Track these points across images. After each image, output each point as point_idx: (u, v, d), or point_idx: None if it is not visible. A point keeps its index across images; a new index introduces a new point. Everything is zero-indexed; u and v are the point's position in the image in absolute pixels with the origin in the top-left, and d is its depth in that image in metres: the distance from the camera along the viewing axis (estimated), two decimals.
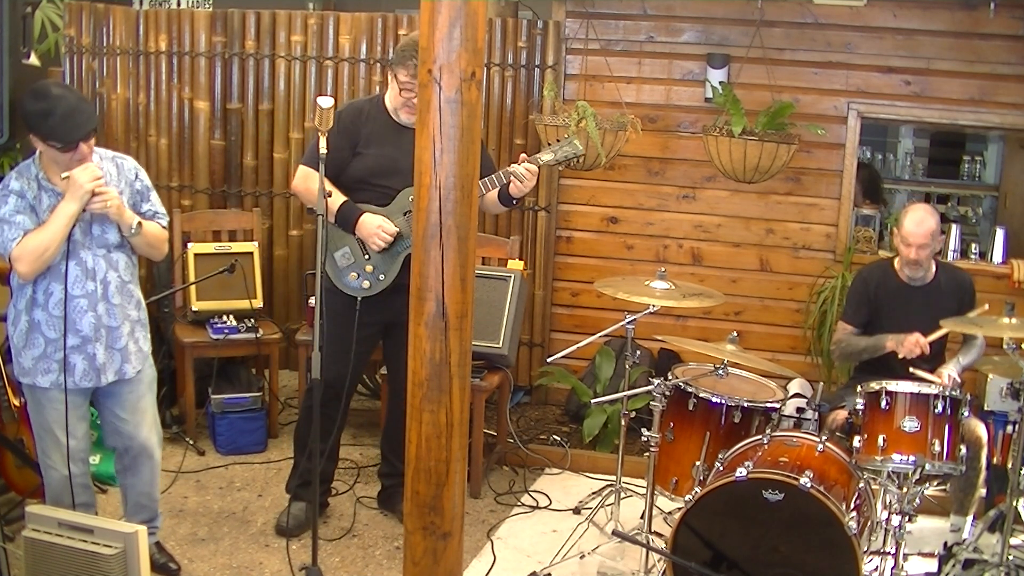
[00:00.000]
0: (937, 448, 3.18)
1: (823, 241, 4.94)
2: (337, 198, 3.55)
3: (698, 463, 3.44)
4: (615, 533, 3.44)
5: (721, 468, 3.25)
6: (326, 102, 3.15)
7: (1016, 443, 3.29)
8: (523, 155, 3.65)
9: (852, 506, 3.08)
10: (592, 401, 4.14)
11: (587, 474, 4.51)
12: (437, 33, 2.23)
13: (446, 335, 2.34)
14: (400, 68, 3.50)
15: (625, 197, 5.11)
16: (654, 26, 4.98)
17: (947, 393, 3.23)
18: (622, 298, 3.59)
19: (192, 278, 4.64)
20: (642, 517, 3.53)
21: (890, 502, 3.26)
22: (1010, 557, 3.29)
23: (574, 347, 3.79)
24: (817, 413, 3.52)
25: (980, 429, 3.63)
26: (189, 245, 4.74)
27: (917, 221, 3.75)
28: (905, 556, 3.19)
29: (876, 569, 3.26)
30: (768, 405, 3.52)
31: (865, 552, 3.13)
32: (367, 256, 3.61)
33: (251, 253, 4.76)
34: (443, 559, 2.45)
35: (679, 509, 3.14)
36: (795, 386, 3.75)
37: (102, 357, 3.11)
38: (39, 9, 5.16)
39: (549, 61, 4.97)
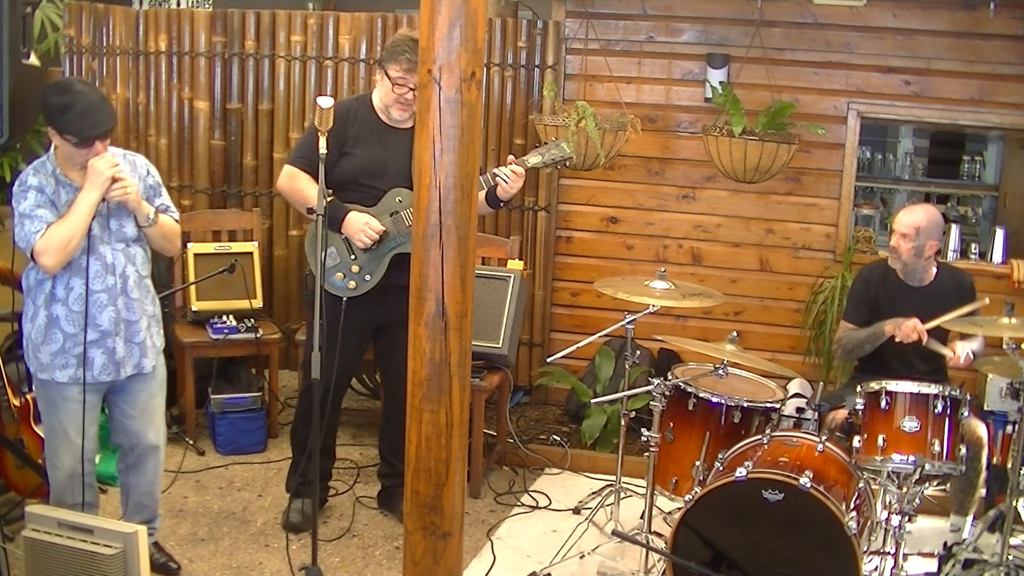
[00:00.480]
0: (937, 448, 3.18)
1: (823, 241, 4.94)
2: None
3: (698, 463, 3.44)
4: (615, 533, 3.44)
5: (721, 468, 3.25)
6: (326, 102, 3.15)
7: (1016, 443, 3.29)
8: (511, 156, 3.65)
9: (852, 506, 3.08)
10: (592, 401, 4.14)
11: (587, 474, 4.51)
12: (437, 33, 2.23)
13: (446, 335, 2.34)
14: (392, 63, 3.49)
15: (625, 197, 5.11)
16: (654, 26, 4.98)
17: (947, 393, 3.23)
18: (622, 298, 3.59)
19: (192, 278, 4.64)
20: (642, 517, 3.53)
21: (890, 502, 3.26)
22: (1010, 557, 3.29)
23: (574, 347, 3.80)
24: (817, 413, 3.52)
25: (980, 429, 3.63)
26: (189, 245, 4.74)
27: (909, 211, 3.84)
28: (905, 556, 3.19)
29: (876, 569, 3.26)
30: (768, 405, 3.52)
31: (865, 552, 3.13)
32: (353, 256, 3.60)
33: (251, 253, 4.76)
34: (443, 559, 2.45)
35: (679, 509, 3.14)
36: (795, 386, 3.75)
37: (121, 351, 3.12)
38: (39, 9, 5.15)
39: (549, 61, 4.97)
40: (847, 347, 3.95)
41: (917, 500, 3.16)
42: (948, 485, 3.73)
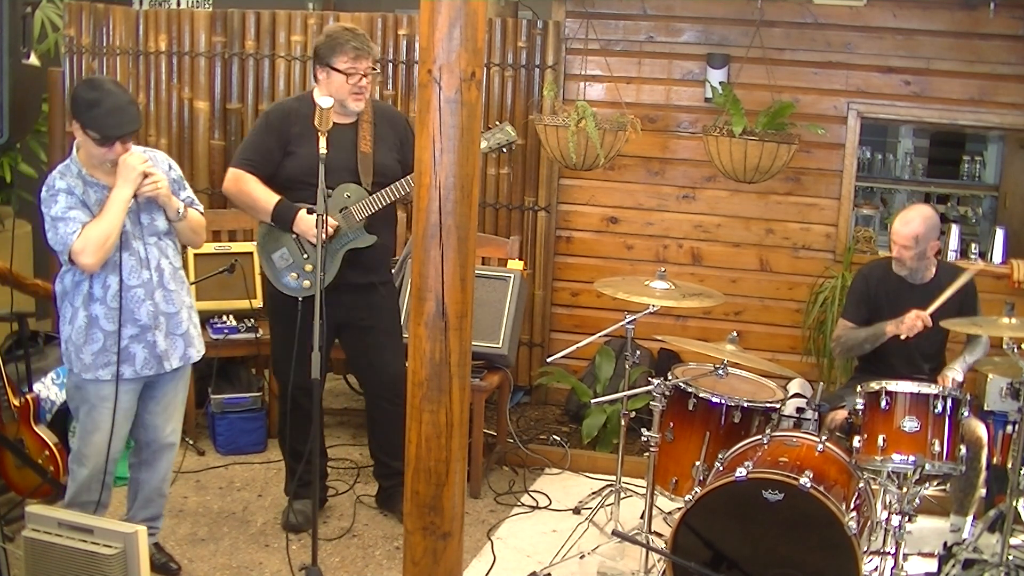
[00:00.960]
0: (937, 448, 3.18)
1: (823, 241, 4.94)
2: (271, 197, 3.53)
3: (698, 463, 3.44)
4: (615, 533, 3.44)
5: (721, 468, 3.25)
6: (326, 102, 3.15)
7: (1016, 443, 3.29)
8: None
9: (852, 506, 3.08)
10: (592, 401, 4.13)
11: (587, 474, 4.51)
12: (437, 33, 2.23)
13: (446, 335, 2.34)
14: (337, 56, 3.48)
15: (625, 197, 5.11)
16: (654, 26, 4.98)
17: (947, 393, 3.23)
18: (622, 298, 3.59)
19: (192, 278, 4.64)
20: (642, 517, 3.52)
21: (890, 502, 3.26)
22: (1010, 557, 3.29)
23: (574, 347, 3.79)
24: (817, 413, 3.52)
25: (980, 429, 3.63)
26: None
27: (904, 221, 3.82)
28: (905, 556, 3.19)
29: (876, 569, 3.26)
30: (768, 405, 3.52)
31: (865, 552, 3.13)
32: (305, 256, 3.59)
33: (251, 253, 4.75)
34: (443, 559, 2.45)
35: (679, 509, 3.13)
36: (795, 386, 3.75)
37: (163, 344, 3.15)
38: (39, 9, 5.16)
39: (549, 61, 4.97)
40: (846, 345, 3.95)
41: (917, 500, 3.16)
42: (948, 485, 3.73)
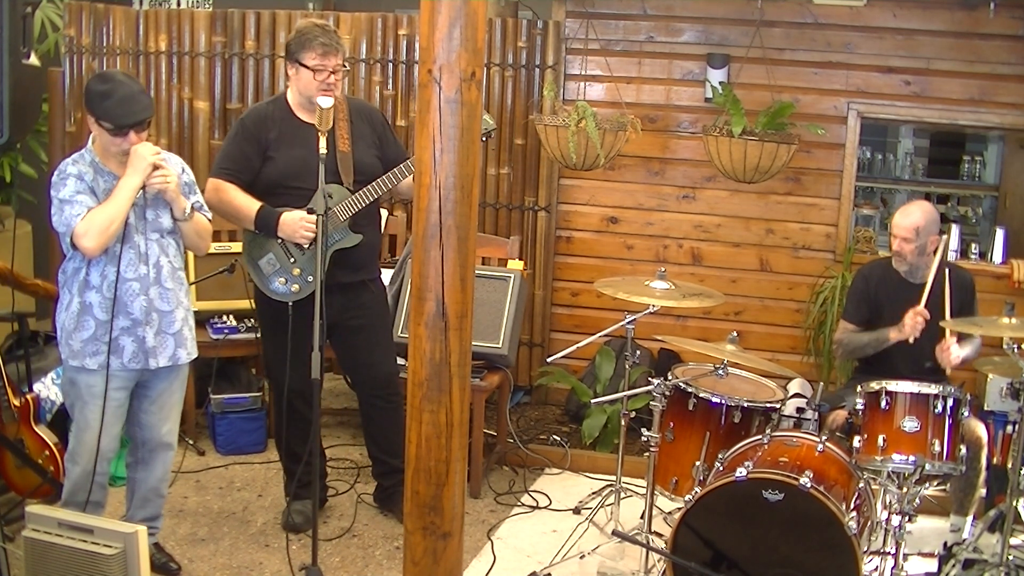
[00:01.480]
0: (937, 448, 3.18)
1: (823, 241, 4.94)
2: (253, 204, 3.52)
3: (698, 463, 3.44)
4: (615, 533, 3.44)
5: (721, 468, 3.25)
6: (326, 102, 3.15)
7: (1016, 443, 3.29)
8: None
9: (852, 506, 3.08)
10: (592, 401, 4.13)
11: (587, 474, 4.51)
12: (437, 33, 2.23)
13: (446, 335, 2.34)
14: (306, 53, 3.47)
15: (625, 197, 5.11)
16: (654, 26, 4.98)
17: (947, 393, 3.23)
18: (622, 298, 3.59)
19: (192, 278, 4.64)
20: (642, 517, 3.52)
21: (890, 502, 3.26)
22: (1010, 557, 3.28)
23: (574, 347, 3.79)
24: (817, 413, 3.52)
25: (980, 429, 3.63)
26: None
27: (905, 213, 3.83)
28: (905, 556, 3.18)
29: (876, 569, 3.26)
30: (768, 405, 3.52)
31: (865, 552, 3.13)
32: (292, 259, 3.58)
33: None
34: (443, 559, 2.45)
35: (679, 509, 3.13)
36: (795, 386, 3.75)
37: (151, 340, 3.14)
38: (39, 9, 5.16)
39: (549, 61, 4.97)
40: (848, 349, 3.95)
41: (917, 500, 3.16)
42: (948, 485, 3.73)
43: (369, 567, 3.60)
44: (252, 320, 4.61)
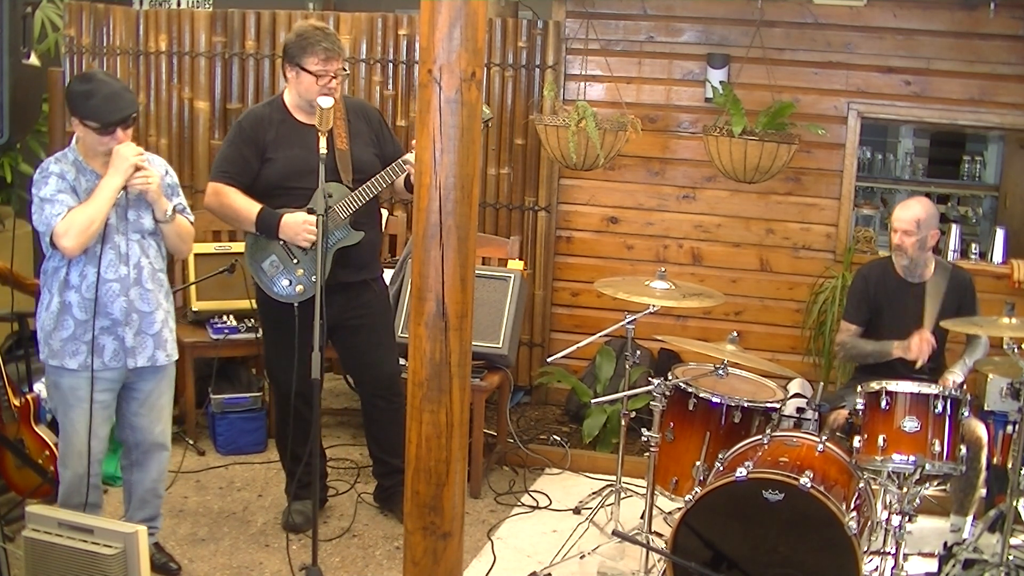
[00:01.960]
0: (937, 448, 3.18)
1: (823, 241, 4.94)
2: (253, 207, 3.52)
3: (698, 463, 3.44)
4: (615, 533, 3.44)
5: (721, 468, 3.25)
6: (326, 102, 3.15)
7: (1016, 443, 3.29)
8: (413, 142, 3.61)
9: (852, 506, 3.08)
10: (592, 401, 4.13)
11: (587, 474, 4.51)
12: (437, 33, 2.23)
13: (446, 335, 2.34)
14: (308, 57, 3.46)
15: (625, 197, 5.11)
16: (654, 26, 4.98)
17: (947, 393, 3.23)
18: (622, 298, 3.59)
19: (192, 278, 4.65)
20: (642, 517, 3.52)
21: (890, 502, 3.26)
22: (1010, 557, 3.28)
23: (574, 347, 3.79)
24: (817, 413, 3.51)
25: (980, 429, 3.63)
26: None
27: (904, 207, 3.86)
28: (905, 556, 3.18)
29: (876, 569, 3.26)
30: (768, 405, 3.52)
31: (865, 552, 3.13)
32: (295, 260, 3.58)
33: None
34: (443, 559, 2.45)
35: (679, 509, 3.13)
36: (795, 386, 3.75)
37: (131, 340, 3.14)
38: (39, 9, 5.16)
39: (549, 61, 4.97)
40: (850, 354, 3.96)
41: (917, 500, 3.16)
42: (948, 485, 3.73)
43: (369, 567, 3.60)
44: (252, 320, 4.62)
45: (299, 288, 3.57)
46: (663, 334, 3.93)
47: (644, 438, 3.42)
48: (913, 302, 3.83)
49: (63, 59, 5.20)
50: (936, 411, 3.21)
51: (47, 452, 3.62)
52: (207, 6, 6.69)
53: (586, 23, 4.93)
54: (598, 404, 4.34)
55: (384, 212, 4.57)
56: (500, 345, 4.23)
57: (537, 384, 5.21)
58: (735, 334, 3.55)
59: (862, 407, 3.32)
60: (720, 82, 4.71)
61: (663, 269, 3.78)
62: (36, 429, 3.65)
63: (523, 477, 4.45)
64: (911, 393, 3.25)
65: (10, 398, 3.62)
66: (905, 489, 3.15)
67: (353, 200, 3.54)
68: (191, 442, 4.53)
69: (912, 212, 3.78)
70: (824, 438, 3.28)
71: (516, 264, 4.61)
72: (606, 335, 3.98)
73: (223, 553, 3.63)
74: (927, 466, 3.14)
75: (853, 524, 2.89)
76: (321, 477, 3.97)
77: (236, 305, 4.63)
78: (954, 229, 5.20)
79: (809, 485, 2.87)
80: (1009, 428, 4.22)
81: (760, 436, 3.32)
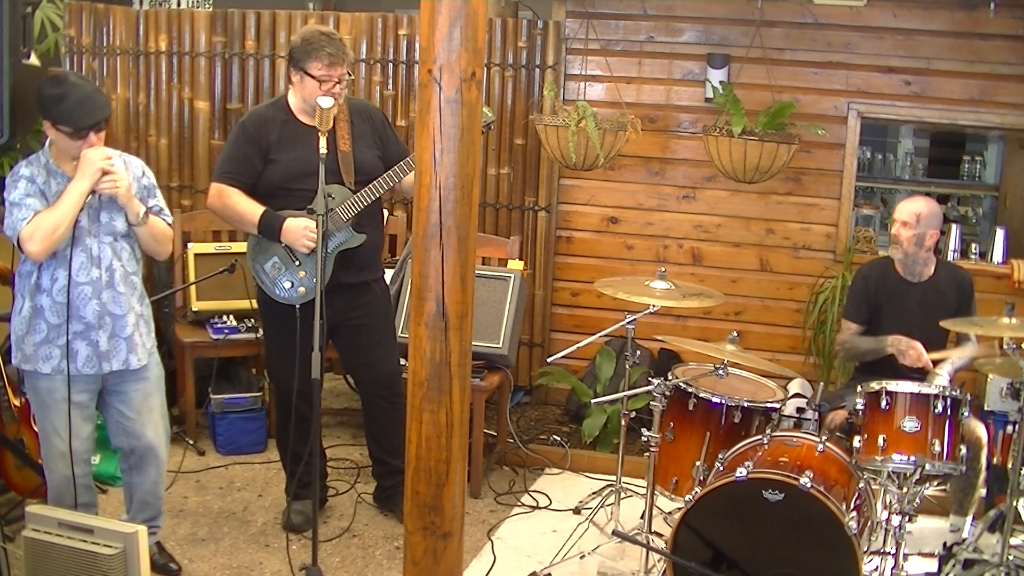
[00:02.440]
0: (937, 448, 3.17)
1: (823, 241, 4.94)
2: (256, 209, 3.51)
3: (698, 463, 3.44)
4: (615, 533, 3.44)
5: (721, 468, 3.25)
6: (326, 102, 3.15)
7: (1016, 443, 3.29)
8: None
9: (852, 506, 3.08)
10: (592, 401, 4.13)
11: (587, 474, 4.51)
12: (437, 33, 2.23)
13: (446, 335, 2.34)
14: (312, 62, 3.45)
15: (625, 197, 5.11)
16: (654, 26, 4.98)
17: (948, 393, 3.23)
18: (622, 298, 3.59)
19: (192, 278, 4.64)
20: (642, 517, 3.52)
21: (890, 502, 3.26)
22: (1010, 557, 3.28)
23: (574, 347, 3.79)
24: (817, 413, 3.52)
25: (980, 429, 3.63)
26: (189, 245, 4.75)
27: (910, 199, 3.89)
28: (905, 556, 3.18)
29: (876, 569, 3.26)
30: (768, 405, 3.52)
31: (865, 552, 3.13)
32: (297, 262, 3.57)
33: None
34: (443, 559, 2.45)
35: (679, 509, 3.13)
36: (795, 386, 3.75)
37: (105, 344, 3.11)
38: (39, 9, 5.15)
39: (549, 61, 4.97)
40: (850, 353, 3.96)
41: (917, 500, 3.16)
42: (948, 485, 3.73)
43: (369, 567, 3.60)
44: (252, 320, 4.62)
45: (301, 290, 3.57)
46: (663, 334, 3.93)
47: (644, 438, 3.42)
48: (912, 302, 3.83)
49: (63, 59, 5.20)
50: (936, 411, 3.21)
51: None
52: (207, 6, 6.69)
53: (586, 23, 4.93)
54: (598, 404, 4.35)
55: (384, 212, 4.57)
56: (500, 345, 4.23)
57: (537, 384, 5.21)
58: (735, 334, 3.55)
59: (862, 407, 3.32)
60: (720, 82, 4.71)
61: (663, 269, 3.78)
62: (36, 429, 3.65)
63: (523, 477, 4.45)
64: (911, 393, 3.25)
65: (10, 398, 3.62)
66: (905, 489, 3.15)
67: (356, 202, 3.54)
68: (191, 442, 4.53)
69: (915, 206, 3.80)
70: (824, 438, 3.28)
71: (516, 264, 4.61)
72: (606, 335, 3.98)
73: (223, 553, 3.63)
74: (927, 466, 3.14)
75: (853, 524, 2.89)
76: (321, 477, 3.98)
77: (236, 305, 4.63)
78: (954, 229, 5.20)
79: (809, 485, 2.87)
80: (1009, 428, 4.22)
81: (760, 436, 3.32)
